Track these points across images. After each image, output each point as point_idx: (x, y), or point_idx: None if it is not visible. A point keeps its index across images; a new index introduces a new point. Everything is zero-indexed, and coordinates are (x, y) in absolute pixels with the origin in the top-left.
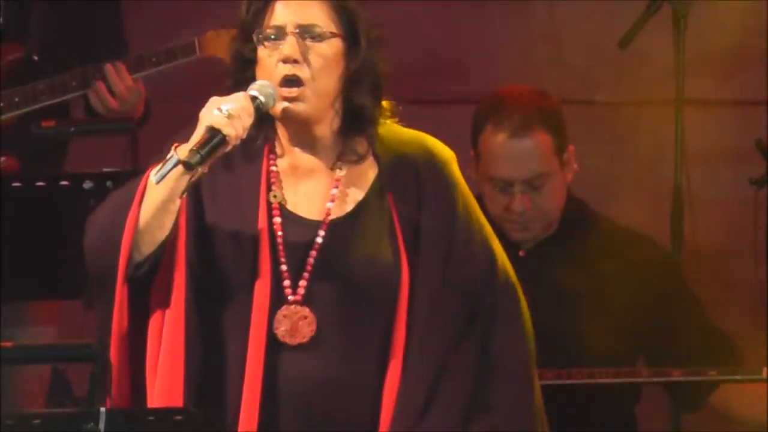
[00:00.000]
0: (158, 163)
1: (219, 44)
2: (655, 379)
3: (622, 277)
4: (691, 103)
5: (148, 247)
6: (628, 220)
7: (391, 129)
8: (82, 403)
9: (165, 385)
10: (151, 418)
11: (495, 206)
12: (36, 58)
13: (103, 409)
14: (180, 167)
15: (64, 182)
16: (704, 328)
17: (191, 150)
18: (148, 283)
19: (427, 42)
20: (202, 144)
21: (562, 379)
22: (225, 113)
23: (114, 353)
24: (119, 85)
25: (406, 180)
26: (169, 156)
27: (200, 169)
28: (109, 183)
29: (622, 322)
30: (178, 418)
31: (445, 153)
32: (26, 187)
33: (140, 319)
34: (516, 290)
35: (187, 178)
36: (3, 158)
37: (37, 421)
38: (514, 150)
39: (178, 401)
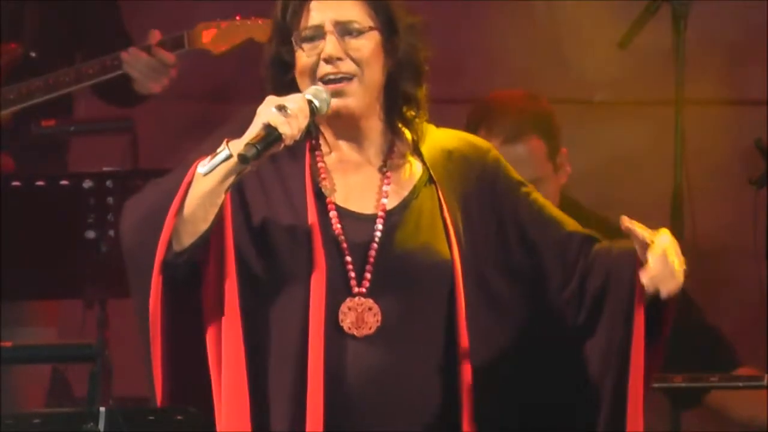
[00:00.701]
0: (205, 156)
1: (207, 38)
2: (656, 384)
3: None
4: (690, 103)
5: (189, 238)
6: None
7: (430, 127)
8: (81, 403)
9: (230, 383)
10: (151, 417)
11: None
12: (33, 55)
13: (102, 409)
14: (230, 161)
15: (63, 181)
16: (701, 331)
17: (248, 144)
18: (188, 279)
19: (427, 42)
20: (259, 140)
21: None
22: (283, 112)
23: (153, 345)
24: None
25: (455, 174)
26: (220, 149)
27: (249, 166)
28: (108, 182)
29: None
30: (179, 417)
31: (485, 143)
32: (26, 186)
33: (187, 319)
34: None
35: (235, 173)
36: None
37: (36, 421)
38: (507, 156)
39: (243, 401)
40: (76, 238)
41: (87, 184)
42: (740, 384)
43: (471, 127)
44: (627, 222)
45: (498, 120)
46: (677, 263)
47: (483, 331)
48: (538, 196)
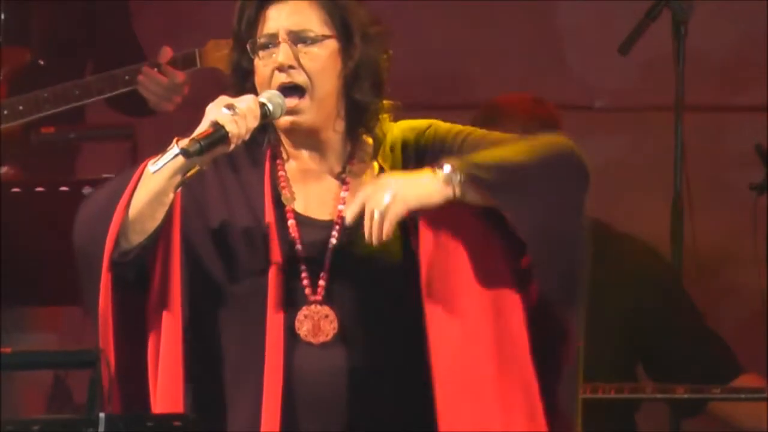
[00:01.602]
0: (156, 155)
1: (219, 55)
2: (659, 395)
3: (620, 284)
4: (690, 108)
5: (137, 236)
6: (629, 225)
7: (390, 126)
8: (82, 409)
9: (165, 389)
10: (150, 423)
11: None
12: (41, 62)
13: (102, 415)
14: (178, 159)
15: (63, 188)
16: (703, 337)
17: (192, 139)
18: (135, 278)
19: (427, 48)
20: (204, 136)
21: None
22: (231, 111)
23: (104, 345)
24: (161, 80)
25: (405, 165)
26: (169, 147)
27: (198, 165)
28: None
29: (621, 329)
30: (177, 423)
31: (424, 122)
32: (26, 192)
33: (137, 325)
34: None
35: (184, 171)
36: (5, 168)
37: (36, 427)
38: None
39: (177, 405)
40: None
41: (87, 190)
42: (742, 396)
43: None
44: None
45: (505, 123)
46: (377, 204)
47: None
48: (475, 134)
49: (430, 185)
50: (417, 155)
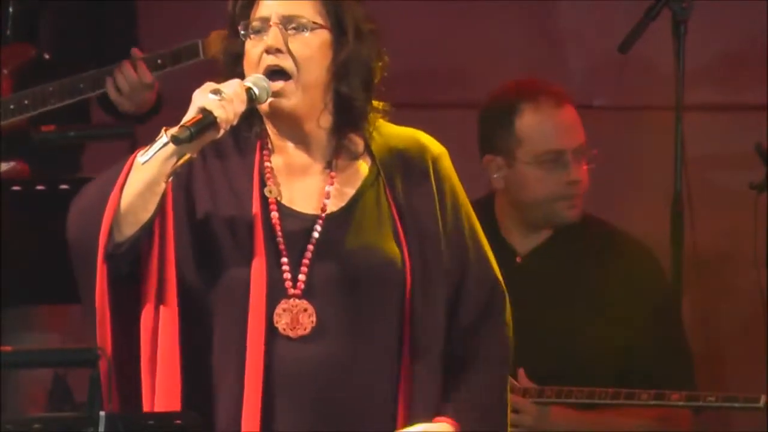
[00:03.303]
0: (146, 146)
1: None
2: (652, 403)
3: (615, 286)
4: (690, 108)
5: (129, 228)
6: (628, 225)
7: (385, 126)
8: (82, 408)
9: (163, 381)
10: (151, 422)
11: (544, 188)
12: (47, 57)
13: (102, 414)
14: (168, 148)
15: (64, 186)
16: (673, 351)
17: (181, 126)
18: (129, 269)
19: (426, 46)
20: (193, 123)
21: (562, 398)
22: (218, 96)
23: (101, 340)
24: (133, 78)
25: (400, 173)
26: (158, 137)
27: (188, 154)
28: None
29: (610, 332)
30: (178, 422)
31: (437, 147)
32: (26, 191)
33: (128, 319)
34: (503, 292)
35: (174, 160)
36: (13, 163)
37: (37, 426)
38: (563, 118)
39: (176, 399)
40: None
41: None
42: (737, 405)
43: (508, 111)
44: None
45: (539, 92)
46: None
47: (431, 329)
48: (466, 218)
49: None
50: (414, 166)
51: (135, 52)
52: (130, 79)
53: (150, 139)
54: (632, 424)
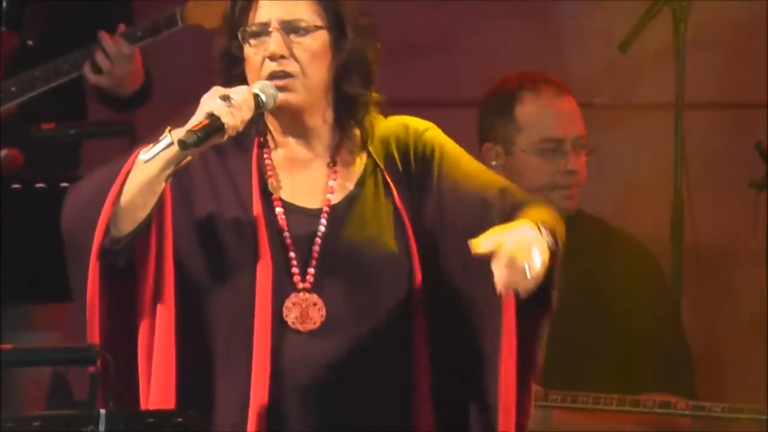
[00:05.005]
0: (148, 144)
1: (201, 12)
2: (658, 410)
3: (611, 282)
4: (690, 106)
5: (127, 225)
6: (628, 223)
7: (375, 118)
8: (82, 406)
9: (158, 376)
10: (151, 420)
11: (541, 176)
12: (30, 43)
13: (102, 411)
14: (172, 148)
15: (64, 183)
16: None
17: (189, 131)
18: (125, 264)
19: (424, 44)
20: (201, 128)
21: (566, 403)
22: (227, 102)
23: (90, 333)
24: (112, 48)
25: (396, 162)
26: (162, 137)
27: (190, 155)
28: None
29: (606, 328)
30: (179, 420)
31: (423, 124)
32: (26, 188)
33: (124, 316)
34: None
35: (176, 161)
36: (5, 151)
37: (36, 423)
38: (562, 107)
39: (170, 395)
40: None
41: None
42: (744, 416)
43: (509, 100)
44: (474, 247)
45: (539, 81)
46: (530, 261)
47: (437, 319)
48: (464, 173)
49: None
50: (401, 152)
51: (120, 27)
52: (109, 49)
53: (151, 137)
54: (633, 425)
